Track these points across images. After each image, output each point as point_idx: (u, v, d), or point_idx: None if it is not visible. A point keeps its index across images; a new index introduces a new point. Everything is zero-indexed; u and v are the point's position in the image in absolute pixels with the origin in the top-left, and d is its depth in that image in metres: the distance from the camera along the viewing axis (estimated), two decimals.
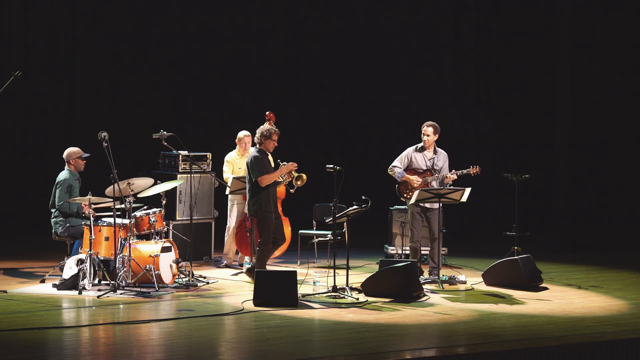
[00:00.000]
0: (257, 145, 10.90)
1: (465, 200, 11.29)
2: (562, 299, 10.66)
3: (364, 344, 8.51)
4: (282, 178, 11.14)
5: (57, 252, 12.15)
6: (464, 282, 11.46)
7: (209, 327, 9.11)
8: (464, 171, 11.47)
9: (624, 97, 14.81)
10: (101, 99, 15.29)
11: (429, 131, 11.51)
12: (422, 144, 11.61)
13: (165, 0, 15.73)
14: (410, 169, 11.62)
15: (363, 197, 10.61)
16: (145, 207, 11.23)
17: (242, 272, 11.99)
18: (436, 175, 11.51)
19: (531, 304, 10.39)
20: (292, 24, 16.53)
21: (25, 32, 14.78)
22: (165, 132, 11.38)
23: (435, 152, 11.63)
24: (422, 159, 11.60)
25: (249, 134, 12.50)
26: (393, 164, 11.68)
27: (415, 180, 11.55)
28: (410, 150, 11.69)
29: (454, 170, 11.50)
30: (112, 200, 10.65)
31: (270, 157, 11.00)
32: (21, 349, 8.17)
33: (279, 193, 11.44)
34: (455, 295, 10.83)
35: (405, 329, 9.21)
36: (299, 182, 11.16)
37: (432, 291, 10.86)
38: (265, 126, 11.02)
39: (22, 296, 10.32)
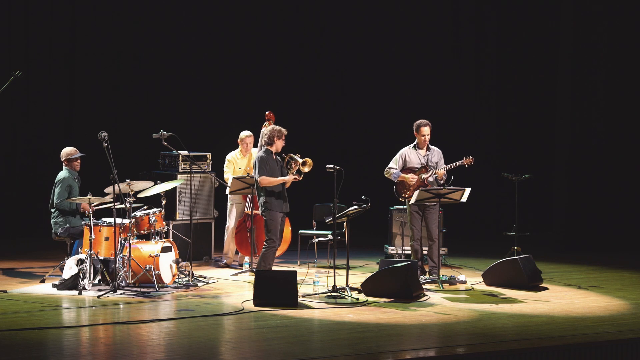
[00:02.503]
0: (265, 146, 10.88)
1: (465, 200, 11.28)
2: (562, 299, 10.65)
3: (364, 344, 8.50)
4: (290, 168, 10.95)
5: (57, 252, 12.15)
6: (464, 282, 11.45)
7: (209, 327, 9.11)
8: (457, 163, 11.44)
9: (624, 97, 14.79)
10: (101, 99, 15.28)
11: (428, 131, 11.51)
12: (414, 143, 11.61)
13: (165, 0, 15.73)
14: (405, 168, 11.62)
15: (363, 197, 10.60)
16: (145, 207, 11.23)
17: (242, 272, 12.01)
18: (431, 171, 11.50)
19: (531, 304, 10.38)
20: (291, 23, 16.52)
21: (25, 32, 14.77)
22: (165, 132, 11.38)
23: (428, 149, 11.63)
24: (416, 156, 11.61)
25: (251, 134, 12.50)
26: (389, 165, 11.69)
27: (411, 177, 11.55)
28: (404, 150, 11.69)
29: (443, 166, 11.50)
30: (112, 200, 10.66)
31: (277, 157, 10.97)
32: (21, 349, 8.17)
33: None
34: (455, 295, 10.82)
35: (405, 329, 9.21)
36: (306, 168, 10.92)
37: (432, 291, 10.88)
38: (275, 127, 10.95)
39: (22, 296, 10.32)
